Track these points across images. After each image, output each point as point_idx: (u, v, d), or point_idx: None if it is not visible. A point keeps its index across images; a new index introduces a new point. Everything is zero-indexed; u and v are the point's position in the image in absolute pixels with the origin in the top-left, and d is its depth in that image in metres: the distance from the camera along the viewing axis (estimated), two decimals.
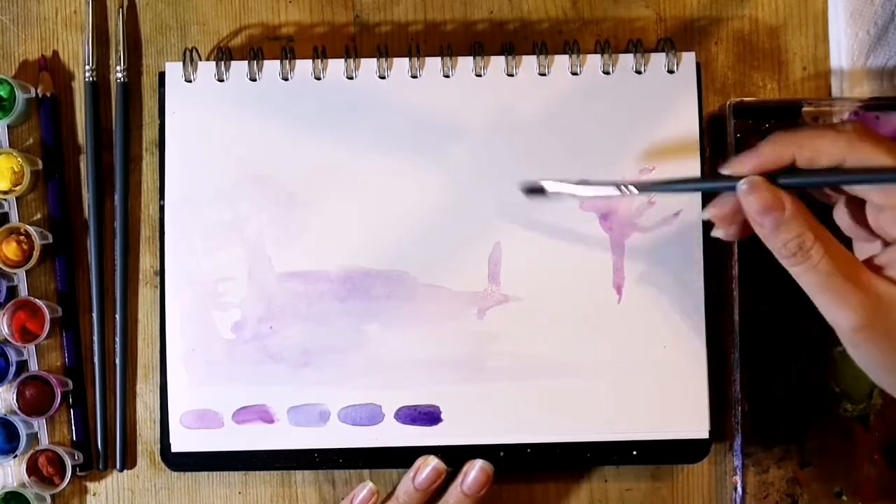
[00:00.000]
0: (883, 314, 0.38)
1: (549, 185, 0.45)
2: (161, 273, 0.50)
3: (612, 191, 0.44)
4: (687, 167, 0.50)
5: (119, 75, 0.52)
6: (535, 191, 0.46)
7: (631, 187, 0.43)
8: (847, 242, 0.42)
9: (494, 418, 0.50)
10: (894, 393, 0.40)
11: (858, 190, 0.40)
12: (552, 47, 0.51)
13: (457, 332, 0.50)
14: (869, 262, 0.40)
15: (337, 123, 0.50)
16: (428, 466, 0.48)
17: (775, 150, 0.40)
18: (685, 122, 0.50)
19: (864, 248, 0.42)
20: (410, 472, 0.49)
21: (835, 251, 0.39)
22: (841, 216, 0.42)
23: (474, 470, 0.48)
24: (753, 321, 0.50)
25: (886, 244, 0.40)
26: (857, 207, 0.41)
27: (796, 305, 0.51)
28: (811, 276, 0.38)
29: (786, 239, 0.39)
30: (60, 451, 0.50)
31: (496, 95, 0.50)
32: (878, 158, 0.38)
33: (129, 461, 0.52)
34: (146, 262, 0.52)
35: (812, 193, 0.43)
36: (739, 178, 0.40)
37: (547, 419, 0.49)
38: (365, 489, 0.49)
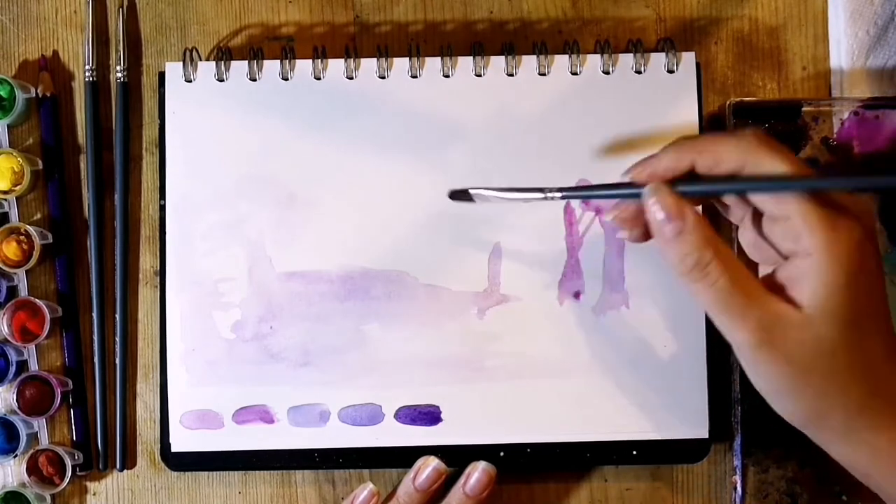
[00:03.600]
0: (780, 335, 0.37)
1: (474, 192, 0.46)
2: (161, 273, 0.50)
3: (538, 195, 0.44)
4: None
5: (119, 75, 0.52)
6: (459, 196, 0.47)
7: (555, 193, 0.43)
8: (754, 264, 0.41)
9: (494, 418, 0.50)
10: (790, 418, 0.39)
11: (757, 201, 0.39)
12: (552, 47, 0.51)
13: (457, 332, 0.50)
14: (768, 281, 0.39)
15: (337, 123, 0.50)
16: (428, 467, 0.48)
17: (676, 156, 0.39)
18: (685, 122, 0.50)
19: (767, 268, 0.41)
20: (411, 473, 0.49)
21: (734, 269, 0.37)
22: (744, 235, 0.41)
23: (477, 471, 0.48)
24: None
25: (784, 261, 0.39)
26: (759, 224, 0.40)
27: None
28: (709, 294, 0.37)
29: (683, 252, 0.37)
30: (60, 450, 0.50)
31: (496, 95, 0.50)
32: (776, 166, 0.37)
33: (129, 461, 0.52)
34: (146, 262, 0.52)
35: (720, 211, 0.42)
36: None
37: (547, 419, 0.49)
38: (365, 490, 0.49)
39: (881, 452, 0.38)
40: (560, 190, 0.43)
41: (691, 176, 0.39)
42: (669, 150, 0.40)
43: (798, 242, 0.37)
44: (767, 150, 0.37)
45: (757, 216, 0.40)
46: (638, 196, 0.39)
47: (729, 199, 0.41)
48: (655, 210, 0.38)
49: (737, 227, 0.43)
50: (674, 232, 0.38)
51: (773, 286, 0.38)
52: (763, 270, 0.42)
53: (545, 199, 0.44)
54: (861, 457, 0.38)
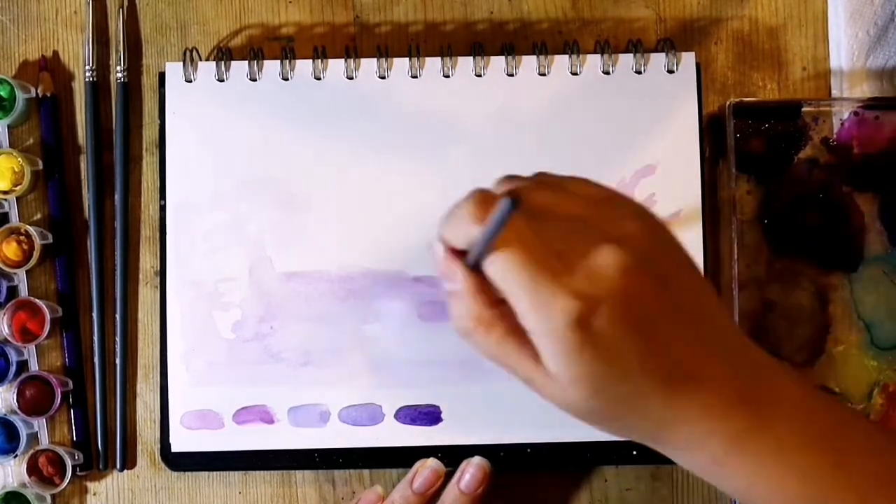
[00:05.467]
0: (547, 391, 0.36)
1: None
2: (161, 273, 0.50)
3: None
4: (687, 167, 0.50)
5: (119, 75, 0.52)
6: None
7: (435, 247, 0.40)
8: None
9: (494, 418, 0.50)
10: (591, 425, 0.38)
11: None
12: (552, 47, 0.51)
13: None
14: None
15: (337, 123, 0.50)
16: (426, 469, 0.48)
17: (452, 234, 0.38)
18: (685, 122, 0.50)
19: None
20: (408, 477, 0.48)
21: (503, 329, 0.36)
22: None
23: (472, 468, 0.48)
24: (753, 321, 0.50)
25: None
26: None
27: (795, 306, 0.51)
28: (478, 351, 0.37)
29: (456, 313, 0.37)
30: (60, 450, 0.50)
31: (496, 95, 0.50)
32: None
33: (129, 461, 0.52)
34: (146, 262, 0.52)
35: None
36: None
37: (547, 419, 0.49)
38: (373, 494, 0.49)
39: (705, 468, 0.37)
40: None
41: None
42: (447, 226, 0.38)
43: (523, 323, 0.35)
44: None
45: None
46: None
47: None
48: (435, 263, 0.38)
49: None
50: (449, 289, 0.37)
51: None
52: None
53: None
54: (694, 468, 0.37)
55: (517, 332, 0.36)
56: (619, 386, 0.35)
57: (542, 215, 0.36)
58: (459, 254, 0.37)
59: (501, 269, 0.35)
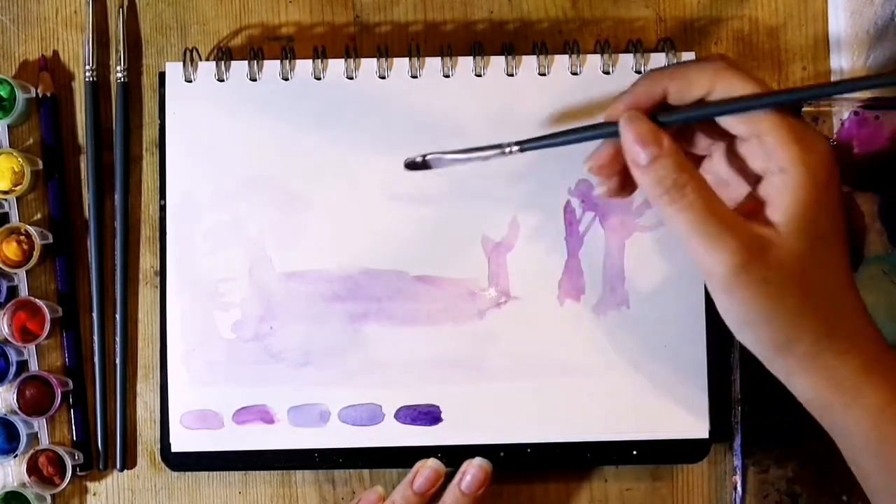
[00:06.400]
0: (757, 256, 0.37)
1: (431, 157, 0.44)
2: (161, 273, 0.50)
3: (495, 152, 0.43)
4: None
5: (119, 75, 0.52)
6: (416, 165, 0.45)
7: (513, 147, 0.43)
8: None
9: (494, 418, 0.50)
10: (760, 347, 0.39)
11: (727, 124, 0.39)
12: (552, 47, 0.51)
13: (457, 332, 0.50)
14: (743, 208, 0.39)
15: (337, 123, 0.50)
16: (427, 469, 0.48)
17: (648, 86, 0.40)
18: None
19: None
20: (409, 477, 0.48)
21: (709, 194, 0.38)
22: (710, 167, 0.42)
23: (473, 468, 0.48)
24: None
25: (757, 185, 0.39)
26: (725, 153, 0.41)
27: None
28: (685, 216, 0.37)
29: (660, 175, 0.38)
30: (60, 451, 0.50)
31: (496, 95, 0.50)
32: (744, 87, 0.38)
33: (129, 461, 0.52)
34: (146, 262, 0.52)
35: (684, 148, 0.42)
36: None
37: (547, 419, 0.49)
38: (373, 494, 0.49)
39: (844, 381, 0.38)
40: (519, 143, 0.43)
41: (664, 107, 0.40)
42: (641, 81, 0.40)
43: (771, 159, 0.38)
44: (734, 72, 0.38)
45: (722, 145, 0.41)
46: (610, 134, 0.40)
47: (696, 130, 0.42)
48: (631, 138, 0.39)
49: (700, 161, 0.43)
50: (650, 157, 0.38)
51: (749, 212, 0.38)
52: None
53: (503, 154, 0.43)
54: (823, 385, 0.39)
55: (720, 203, 0.37)
56: (827, 257, 0.38)
57: None
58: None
59: (768, 122, 0.37)
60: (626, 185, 0.42)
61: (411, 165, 0.45)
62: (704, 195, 0.38)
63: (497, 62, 0.50)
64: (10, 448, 0.50)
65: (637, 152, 0.39)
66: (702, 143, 0.43)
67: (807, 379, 0.39)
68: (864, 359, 0.38)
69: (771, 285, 0.37)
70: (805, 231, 0.37)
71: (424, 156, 0.45)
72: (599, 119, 0.42)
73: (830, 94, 0.39)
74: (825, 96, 0.39)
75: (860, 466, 0.40)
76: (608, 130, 0.40)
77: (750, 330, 0.39)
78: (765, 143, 0.38)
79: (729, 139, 0.41)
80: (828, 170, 0.37)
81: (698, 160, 0.43)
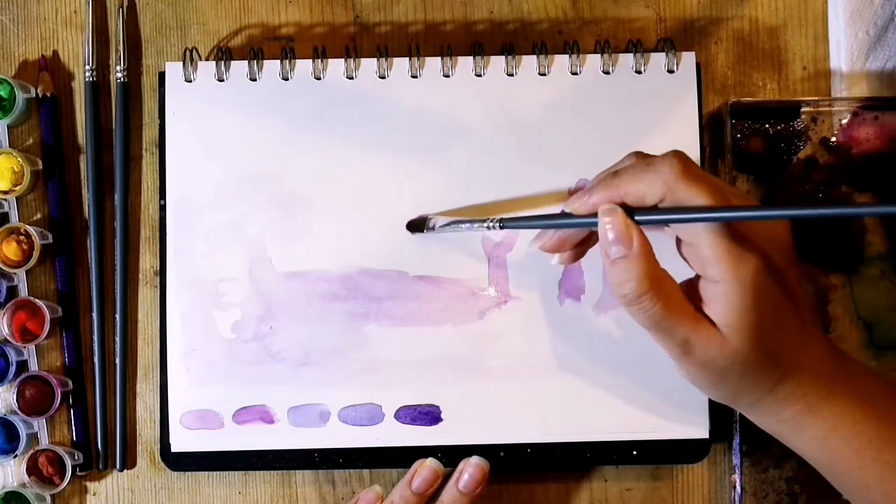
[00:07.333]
0: (701, 349, 0.40)
1: (431, 221, 0.49)
2: (161, 273, 0.50)
3: (482, 227, 0.46)
4: None
5: (119, 75, 0.52)
6: (416, 228, 0.49)
7: (495, 224, 0.45)
8: None
9: (494, 418, 0.50)
10: (720, 400, 0.43)
11: (673, 228, 0.41)
12: (552, 47, 0.51)
13: (457, 332, 0.50)
14: (690, 290, 0.41)
15: (337, 123, 0.50)
16: (425, 468, 0.48)
17: (606, 193, 0.41)
18: (685, 122, 0.50)
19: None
20: (407, 477, 0.48)
21: (667, 295, 0.40)
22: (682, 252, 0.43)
23: (470, 467, 0.48)
24: None
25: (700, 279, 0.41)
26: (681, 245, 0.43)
27: None
28: (638, 317, 0.40)
29: (621, 279, 0.40)
30: (60, 451, 0.50)
31: (496, 95, 0.50)
32: (690, 197, 0.39)
33: (129, 461, 0.52)
34: (146, 262, 0.52)
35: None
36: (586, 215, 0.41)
37: (547, 419, 0.49)
38: (371, 493, 0.49)
39: (788, 421, 0.42)
40: (500, 221, 0.45)
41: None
42: (598, 186, 0.41)
43: (706, 270, 0.39)
44: (685, 181, 0.39)
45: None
46: (586, 225, 0.41)
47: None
48: (607, 229, 0.40)
49: None
50: (618, 254, 0.40)
51: (695, 296, 0.41)
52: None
53: (486, 228, 0.45)
54: (771, 423, 0.43)
55: (677, 301, 0.40)
56: (767, 347, 0.40)
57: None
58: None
59: (706, 235, 0.39)
60: (580, 254, 0.45)
61: (412, 227, 0.49)
62: (661, 300, 0.39)
63: (497, 62, 0.50)
64: (9, 448, 0.50)
65: (608, 246, 0.40)
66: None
67: (755, 419, 0.44)
68: (807, 402, 0.41)
69: (712, 370, 0.40)
70: (743, 330, 0.39)
71: (425, 219, 0.49)
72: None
73: (775, 219, 0.40)
74: (769, 219, 0.40)
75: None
76: (586, 222, 0.41)
77: (700, 389, 0.43)
78: (701, 254, 0.39)
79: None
80: (762, 278, 0.39)
81: None
